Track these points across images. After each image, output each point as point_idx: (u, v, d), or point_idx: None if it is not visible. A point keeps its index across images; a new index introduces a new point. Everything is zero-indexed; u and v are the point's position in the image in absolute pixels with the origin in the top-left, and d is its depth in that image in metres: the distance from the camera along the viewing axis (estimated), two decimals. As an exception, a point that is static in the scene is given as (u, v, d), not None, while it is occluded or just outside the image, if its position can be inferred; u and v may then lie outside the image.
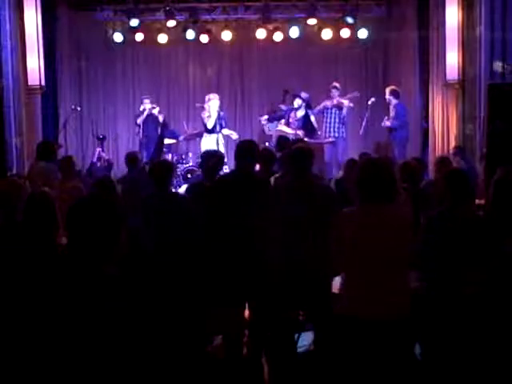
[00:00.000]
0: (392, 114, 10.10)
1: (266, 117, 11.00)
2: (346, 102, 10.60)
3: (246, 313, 5.01)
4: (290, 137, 9.99)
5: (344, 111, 10.64)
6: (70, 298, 2.59)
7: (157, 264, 4.77)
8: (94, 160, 10.68)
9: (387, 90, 10.27)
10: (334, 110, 10.68)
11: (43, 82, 9.52)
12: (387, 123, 10.04)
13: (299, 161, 4.49)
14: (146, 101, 11.03)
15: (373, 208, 3.40)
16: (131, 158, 7.37)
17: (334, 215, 3.65)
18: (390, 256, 3.35)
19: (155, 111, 10.97)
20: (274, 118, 10.93)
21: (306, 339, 4.92)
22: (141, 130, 10.96)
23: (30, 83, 9.32)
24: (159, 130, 11.15)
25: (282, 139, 7.83)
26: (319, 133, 10.56)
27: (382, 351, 3.34)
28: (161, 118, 11.06)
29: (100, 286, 2.40)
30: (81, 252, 2.42)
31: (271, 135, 10.52)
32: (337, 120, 10.67)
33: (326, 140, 10.55)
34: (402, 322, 3.35)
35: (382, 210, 3.40)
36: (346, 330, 3.42)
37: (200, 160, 8.06)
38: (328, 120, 10.71)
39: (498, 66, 7.94)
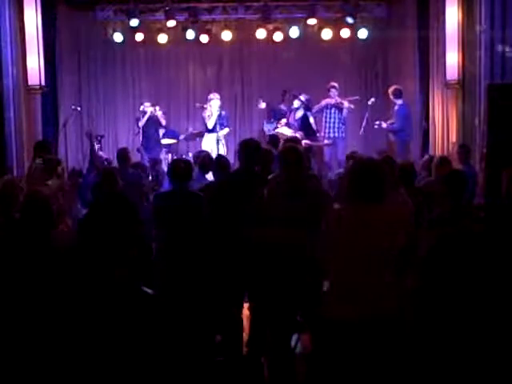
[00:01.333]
0: (393, 115, 10.10)
1: (263, 104, 11.03)
2: (346, 104, 10.60)
3: (246, 313, 5.01)
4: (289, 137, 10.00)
5: (344, 112, 10.64)
6: (70, 293, 2.59)
7: (168, 260, 4.79)
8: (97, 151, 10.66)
9: (390, 91, 10.25)
10: (333, 110, 10.67)
11: (43, 82, 9.50)
12: (383, 125, 10.03)
13: (288, 160, 4.46)
14: (147, 104, 11.00)
15: (361, 207, 3.40)
16: (122, 155, 7.38)
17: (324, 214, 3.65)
18: (377, 256, 3.35)
19: (158, 113, 10.94)
20: (273, 117, 10.91)
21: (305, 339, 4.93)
22: (142, 133, 10.94)
23: (30, 83, 9.31)
24: (160, 133, 11.14)
25: (274, 138, 7.83)
26: (318, 134, 10.54)
27: (371, 351, 3.33)
28: (163, 122, 11.02)
29: (107, 285, 2.40)
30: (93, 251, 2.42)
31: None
32: (336, 120, 10.67)
33: (325, 142, 10.54)
34: (389, 323, 3.34)
35: (371, 210, 3.39)
36: (334, 332, 3.41)
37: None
38: (327, 120, 10.71)
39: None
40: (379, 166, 3.48)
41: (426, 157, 8.04)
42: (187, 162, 5.55)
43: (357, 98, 10.87)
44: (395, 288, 3.45)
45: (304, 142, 9.52)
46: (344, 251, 3.39)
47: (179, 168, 5.21)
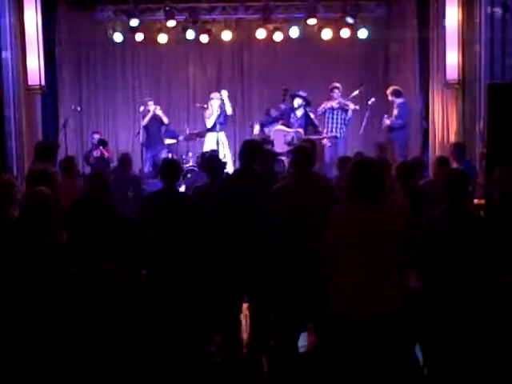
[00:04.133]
0: (395, 112, 10.07)
1: (257, 127, 10.89)
2: (351, 106, 10.55)
3: (246, 313, 5.02)
4: (290, 135, 10.03)
5: (349, 113, 10.60)
6: (65, 291, 2.59)
7: (160, 261, 4.77)
8: (95, 155, 10.69)
9: (388, 92, 10.24)
10: (337, 111, 10.64)
11: (43, 82, 9.50)
12: (387, 122, 10.01)
13: (299, 160, 4.50)
14: (150, 102, 11.00)
15: (361, 207, 3.41)
16: (124, 160, 7.55)
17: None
18: (377, 255, 3.36)
19: (159, 112, 10.95)
20: (267, 123, 10.87)
21: (306, 339, 4.93)
22: (144, 131, 10.94)
23: (30, 83, 9.30)
24: (163, 131, 11.15)
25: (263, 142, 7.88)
26: (321, 129, 10.52)
27: (375, 349, 3.35)
28: (165, 120, 11.01)
29: (97, 282, 2.40)
30: (78, 248, 2.42)
31: (270, 135, 10.53)
32: (339, 121, 10.64)
33: (329, 135, 10.48)
34: (391, 319, 3.36)
35: (370, 210, 3.41)
36: (337, 329, 3.43)
37: (200, 160, 8.10)
38: (330, 120, 10.67)
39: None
40: (378, 166, 3.49)
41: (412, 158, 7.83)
42: (176, 162, 5.59)
43: (361, 88, 10.79)
44: (398, 287, 3.46)
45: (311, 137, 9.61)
46: (346, 251, 3.40)
47: (168, 168, 5.24)
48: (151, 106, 10.93)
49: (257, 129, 10.72)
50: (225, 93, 10.68)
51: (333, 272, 3.54)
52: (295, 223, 4.31)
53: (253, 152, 5.02)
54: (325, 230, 3.52)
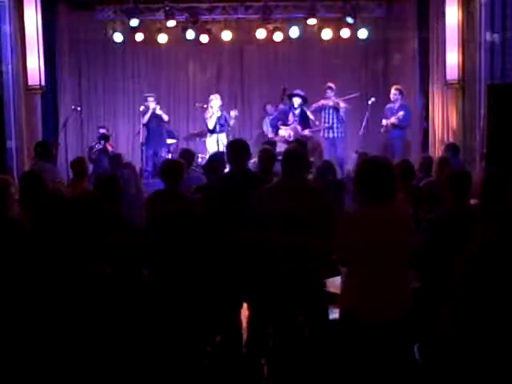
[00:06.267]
0: (400, 112, 10.02)
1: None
2: (342, 104, 10.58)
3: (246, 313, 5.01)
4: (287, 132, 10.08)
5: (341, 112, 10.63)
6: (60, 295, 2.59)
7: (160, 262, 4.77)
8: (97, 147, 10.70)
9: (394, 89, 10.19)
10: (331, 111, 10.66)
11: (43, 82, 9.51)
12: (393, 120, 9.98)
13: (289, 161, 4.47)
14: (150, 99, 10.91)
15: (374, 208, 3.39)
16: (116, 160, 7.60)
17: (330, 215, 3.65)
18: (392, 256, 3.35)
19: (158, 111, 10.94)
20: (271, 127, 10.93)
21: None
22: (145, 129, 10.91)
23: (30, 83, 9.31)
24: (163, 128, 11.12)
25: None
26: (317, 123, 10.55)
27: (383, 352, 3.34)
28: (165, 117, 10.97)
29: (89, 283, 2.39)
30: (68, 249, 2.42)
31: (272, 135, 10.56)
32: (334, 121, 10.66)
33: (324, 126, 10.51)
34: (402, 323, 3.35)
35: (383, 210, 3.38)
36: (348, 332, 3.41)
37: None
38: (326, 121, 10.71)
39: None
40: (388, 165, 3.45)
41: (423, 157, 7.96)
42: (178, 162, 5.47)
43: (356, 94, 10.82)
44: (409, 287, 3.46)
45: (305, 131, 9.78)
46: (359, 252, 3.38)
47: (169, 169, 5.19)
48: (151, 103, 10.88)
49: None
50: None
51: (347, 274, 3.51)
52: (281, 226, 4.27)
53: (239, 152, 4.97)
54: (337, 232, 3.49)
